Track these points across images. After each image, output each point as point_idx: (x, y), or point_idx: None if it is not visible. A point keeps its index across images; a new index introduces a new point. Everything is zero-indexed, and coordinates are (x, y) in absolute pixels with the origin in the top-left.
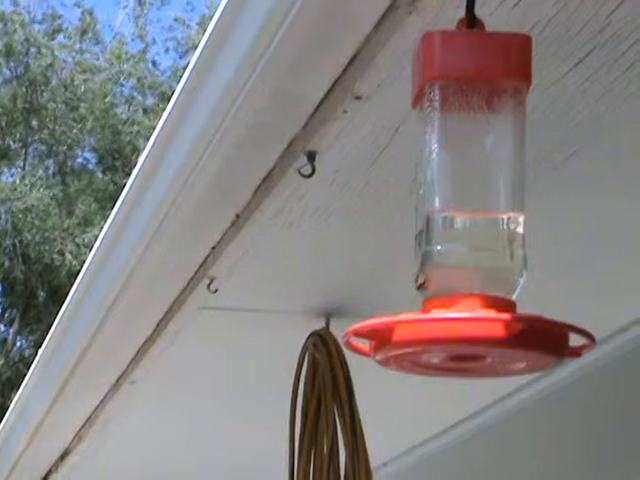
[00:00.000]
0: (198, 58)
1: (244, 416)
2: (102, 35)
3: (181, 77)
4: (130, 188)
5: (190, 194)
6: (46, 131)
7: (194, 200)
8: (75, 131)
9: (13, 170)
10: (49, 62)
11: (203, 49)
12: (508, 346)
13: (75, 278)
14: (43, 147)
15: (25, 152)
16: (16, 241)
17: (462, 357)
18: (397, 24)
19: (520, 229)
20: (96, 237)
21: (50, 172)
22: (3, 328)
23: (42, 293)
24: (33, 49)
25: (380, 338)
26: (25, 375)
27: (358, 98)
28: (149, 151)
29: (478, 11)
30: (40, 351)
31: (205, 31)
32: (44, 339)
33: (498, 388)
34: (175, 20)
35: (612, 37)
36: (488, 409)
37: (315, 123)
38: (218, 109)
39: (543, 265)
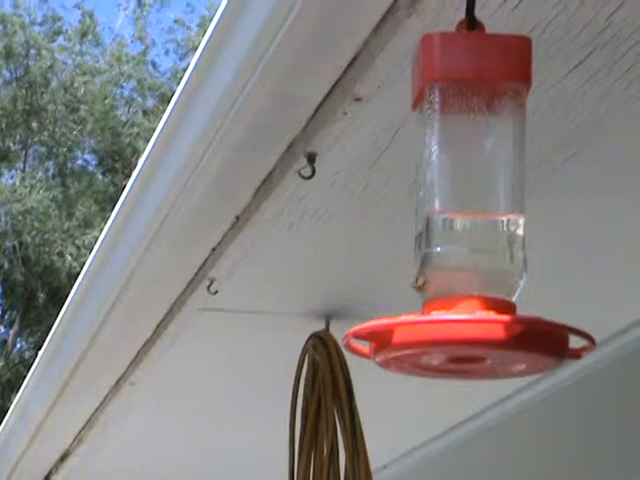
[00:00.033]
0: (198, 60)
1: (244, 418)
2: (102, 37)
3: (181, 79)
4: (130, 190)
5: (190, 196)
6: (46, 133)
7: (194, 202)
8: (75, 133)
9: (13, 172)
10: (49, 64)
11: (203, 51)
12: (508, 348)
13: (75, 280)
14: (43, 149)
15: (25, 154)
16: (16, 243)
17: (462, 359)
18: (397, 26)
19: (520, 231)
20: (96, 239)
21: (50, 174)
22: (3, 330)
23: (42, 295)
24: (33, 51)
25: (380, 340)
26: (25, 377)
27: (358, 100)
28: (149, 153)
29: (478, 13)
30: (40, 353)
31: (205, 33)
32: (44, 341)
33: (498, 390)
34: (175, 22)
35: (612, 39)
36: (488, 411)
37: (315, 125)
38: (218, 111)
39: (543, 267)
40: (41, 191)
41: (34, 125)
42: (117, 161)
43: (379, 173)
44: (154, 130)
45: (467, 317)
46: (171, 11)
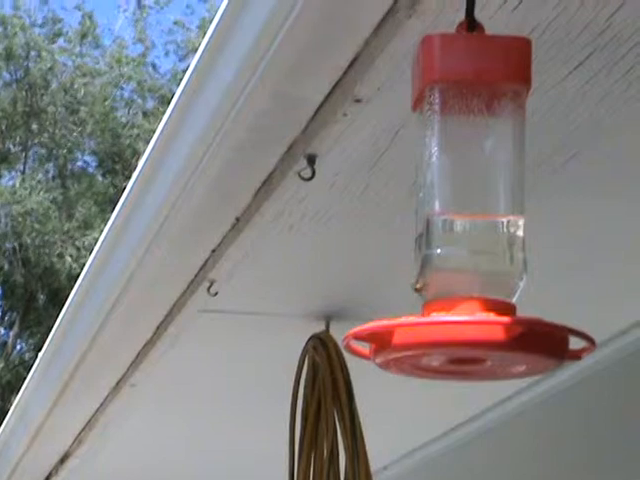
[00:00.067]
0: (198, 61)
1: (244, 419)
2: (102, 38)
3: (181, 80)
4: (130, 191)
5: (190, 197)
6: (46, 134)
7: (194, 203)
8: (75, 134)
9: (13, 173)
10: (49, 66)
11: (203, 52)
12: (508, 349)
13: (75, 281)
14: (43, 150)
15: (25, 155)
16: (16, 244)
17: (462, 360)
18: (397, 27)
19: (520, 232)
20: (96, 240)
21: (50, 175)
22: (3, 331)
23: (42, 296)
24: (33, 53)
25: (380, 341)
26: (25, 378)
27: (358, 101)
28: (149, 154)
29: (478, 14)
30: (40, 354)
31: (205, 34)
32: (44, 342)
33: (498, 391)
34: (175, 23)
35: (612, 40)
36: (488, 412)
37: (315, 126)
38: (218, 112)
39: (543, 268)
40: (41, 192)
41: (34, 127)
42: (117, 162)
43: (379, 174)
44: (154, 132)
45: (467, 319)
46: (171, 12)
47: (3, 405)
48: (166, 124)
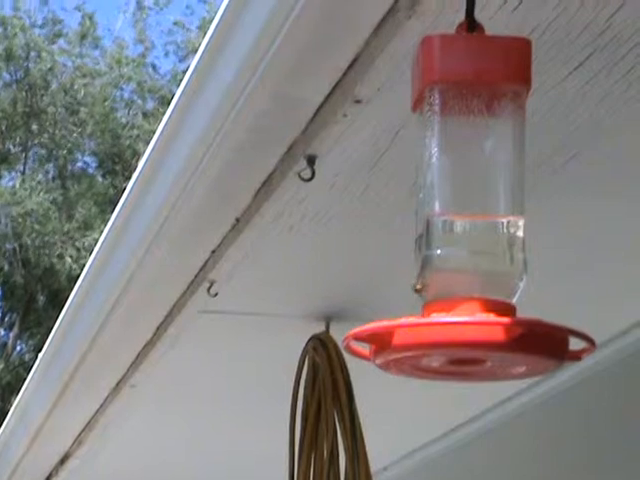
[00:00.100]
0: (198, 62)
1: (244, 420)
2: (102, 39)
3: (181, 81)
4: (130, 192)
5: (190, 198)
6: (46, 135)
7: (194, 204)
8: (75, 135)
9: (13, 174)
10: (49, 66)
11: (203, 53)
12: (508, 350)
13: (75, 282)
14: (43, 151)
15: (25, 156)
16: (16, 245)
17: (462, 361)
18: (397, 28)
19: (520, 233)
20: (96, 241)
21: (50, 176)
22: (3, 332)
23: (42, 297)
24: (33, 53)
25: (380, 342)
26: (25, 379)
27: (358, 102)
28: (149, 155)
29: (478, 15)
30: (40, 355)
31: (205, 35)
32: (44, 343)
33: (498, 392)
34: (175, 24)
35: (612, 40)
36: (488, 413)
37: (315, 127)
38: (218, 113)
39: (543, 268)
40: (41, 193)
41: (34, 127)
42: (117, 163)
43: (379, 175)
44: (154, 132)
45: (467, 319)
46: (171, 13)
47: (3, 406)
48: (166, 125)
